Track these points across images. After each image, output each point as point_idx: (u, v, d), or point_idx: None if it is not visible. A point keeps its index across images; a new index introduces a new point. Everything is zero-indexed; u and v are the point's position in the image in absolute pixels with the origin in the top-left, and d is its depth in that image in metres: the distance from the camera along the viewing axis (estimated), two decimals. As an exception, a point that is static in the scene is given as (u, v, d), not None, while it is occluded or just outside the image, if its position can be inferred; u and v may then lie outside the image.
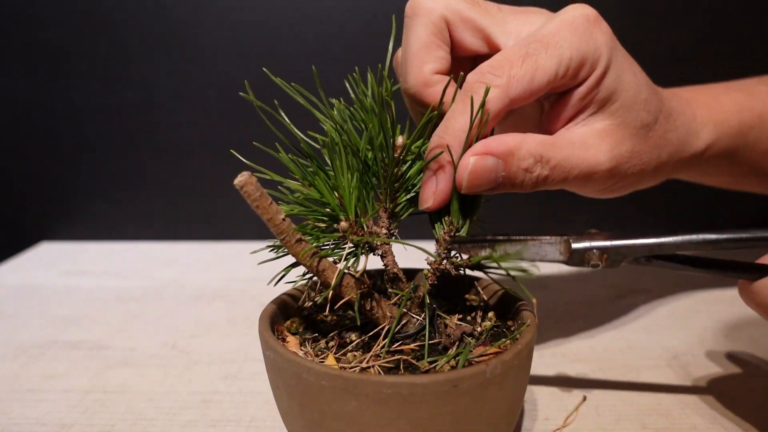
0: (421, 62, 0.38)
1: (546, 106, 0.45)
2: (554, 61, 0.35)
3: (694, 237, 0.34)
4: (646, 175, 0.42)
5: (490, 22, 0.39)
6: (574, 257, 0.35)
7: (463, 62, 0.41)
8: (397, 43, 0.38)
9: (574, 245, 0.35)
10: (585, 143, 0.37)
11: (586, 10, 0.37)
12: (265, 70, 0.36)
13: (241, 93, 0.35)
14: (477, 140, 0.34)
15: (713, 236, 0.33)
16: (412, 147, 0.34)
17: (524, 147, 0.35)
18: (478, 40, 0.39)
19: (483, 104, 0.33)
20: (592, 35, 0.36)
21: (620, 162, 0.39)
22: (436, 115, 0.35)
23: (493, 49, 0.39)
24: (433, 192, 0.35)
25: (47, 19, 0.77)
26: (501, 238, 0.35)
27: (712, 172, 0.53)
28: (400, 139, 0.34)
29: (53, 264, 0.77)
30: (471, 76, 0.35)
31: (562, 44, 0.35)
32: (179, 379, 0.46)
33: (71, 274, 0.73)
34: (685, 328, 0.54)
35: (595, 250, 0.35)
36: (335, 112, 0.36)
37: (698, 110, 0.45)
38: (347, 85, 0.37)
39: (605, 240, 0.35)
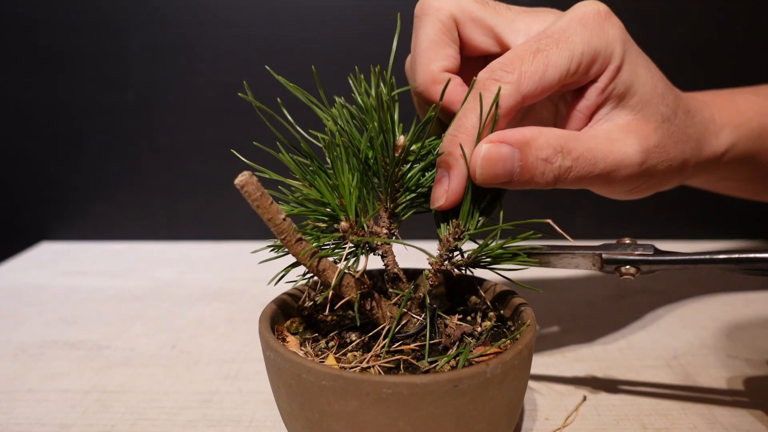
0: (429, 60, 0.37)
1: (561, 108, 0.45)
2: (566, 56, 0.35)
3: (726, 255, 0.33)
4: (672, 173, 0.41)
5: (499, 21, 0.39)
6: (606, 269, 0.35)
7: (474, 62, 0.41)
8: (402, 42, 0.37)
9: (605, 257, 0.35)
10: (609, 137, 0.37)
11: (597, 6, 0.36)
12: (267, 68, 0.36)
13: (239, 93, 0.35)
14: None
15: (753, 255, 0.32)
16: (413, 147, 0.34)
17: (542, 137, 0.34)
18: (488, 39, 0.39)
19: (496, 101, 0.33)
20: (603, 30, 0.36)
21: (649, 156, 0.38)
22: (436, 114, 0.35)
23: (503, 49, 0.39)
24: (445, 191, 0.34)
25: (47, 19, 0.77)
26: (535, 247, 0.35)
27: (729, 177, 0.52)
28: (401, 139, 0.34)
29: (53, 264, 0.77)
30: (482, 74, 0.35)
31: (573, 39, 0.35)
32: (179, 379, 0.46)
33: (71, 274, 0.72)
34: (685, 328, 0.54)
35: (628, 266, 0.35)
36: (335, 111, 0.36)
37: (716, 112, 0.45)
38: (350, 83, 0.37)
39: (636, 254, 0.35)
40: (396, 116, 0.36)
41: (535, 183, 0.35)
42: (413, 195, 0.37)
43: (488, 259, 0.35)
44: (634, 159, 0.37)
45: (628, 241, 0.36)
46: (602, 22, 0.36)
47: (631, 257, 0.35)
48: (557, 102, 0.45)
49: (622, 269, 0.35)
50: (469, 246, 0.35)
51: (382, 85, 0.35)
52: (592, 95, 0.37)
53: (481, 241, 0.35)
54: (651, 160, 0.38)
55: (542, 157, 0.34)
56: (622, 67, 0.36)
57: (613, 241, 0.36)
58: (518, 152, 0.33)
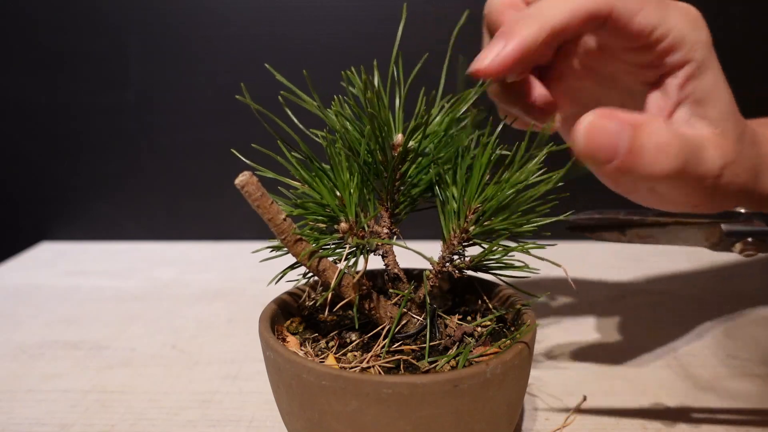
0: None
1: (627, 103, 0.42)
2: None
3: None
4: (730, 195, 0.37)
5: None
6: (722, 244, 0.31)
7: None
8: (406, 36, 0.36)
9: (726, 229, 0.31)
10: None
11: (697, 11, 0.36)
12: (268, 66, 0.36)
13: (237, 96, 0.35)
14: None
15: None
16: (410, 144, 0.34)
17: (656, 122, 0.31)
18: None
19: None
20: (698, 28, 0.35)
21: (725, 171, 0.35)
22: (488, 85, 0.33)
23: None
24: (496, 53, 0.31)
25: (47, 20, 0.77)
26: (635, 219, 0.31)
27: None
28: (399, 138, 0.34)
29: (53, 264, 0.77)
30: None
31: (669, 7, 0.34)
32: (179, 379, 0.46)
33: (71, 274, 0.73)
34: (685, 328, 0.54)
35: (750, 238, 0.30)
36: (333, 111, 0.36)
37: None
38: (348, 79, 0.37)
39: (762, 225, 0.30)
40: (399, 114, 0.36)
41: (636, 172, 0.30)
42: (414, 194, 0.37)
43: (492, 264, 0.35)
44: (715, 172, 0.35)
45: (743, 211, 0.31)
46: (700, 22, 0.36)
47: (760, 228, 0.30)
48: (624, 97, 0.43)
49: (744, 244, 0.30)
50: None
51: (379, 82, 0.35)
52: (671, 88, 0.36)
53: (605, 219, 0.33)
54: (726, 176, 0.36)
55: (655, 143, 0.30)
56: (704, 73, 0.35)
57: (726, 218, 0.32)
58: (630, 131, 0.30)
